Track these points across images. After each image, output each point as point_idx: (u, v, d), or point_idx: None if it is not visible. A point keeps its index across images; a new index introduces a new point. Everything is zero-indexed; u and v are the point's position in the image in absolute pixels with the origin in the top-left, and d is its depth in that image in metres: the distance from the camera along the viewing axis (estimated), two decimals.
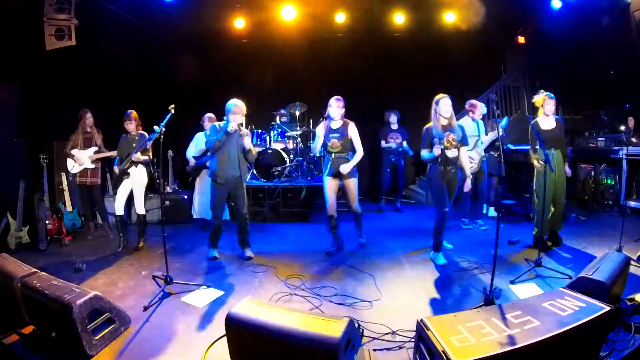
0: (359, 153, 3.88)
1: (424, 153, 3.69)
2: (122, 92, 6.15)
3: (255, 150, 4.09)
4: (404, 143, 6.08)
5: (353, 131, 3.87)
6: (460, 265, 3.67)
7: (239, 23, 6.64)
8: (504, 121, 4.87)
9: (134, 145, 4.15)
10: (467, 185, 3.80)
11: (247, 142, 3.72)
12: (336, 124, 3.89)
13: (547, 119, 3.90)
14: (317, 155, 4.02)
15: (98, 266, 3.72)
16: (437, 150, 3.52)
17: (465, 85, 6.99)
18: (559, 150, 3.87)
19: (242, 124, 3.81)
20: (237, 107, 3.68)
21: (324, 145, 3.95)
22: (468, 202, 4.98)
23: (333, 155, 3.88)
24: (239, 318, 1.98)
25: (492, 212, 5.56)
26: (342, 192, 4.10)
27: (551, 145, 3.81)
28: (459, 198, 4.75)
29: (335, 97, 3.87)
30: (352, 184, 3.90)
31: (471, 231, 4.87)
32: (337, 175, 3.88)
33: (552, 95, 3.89)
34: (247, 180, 4.05)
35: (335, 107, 3.83)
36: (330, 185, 3.92)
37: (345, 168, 3.81)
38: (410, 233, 4.86)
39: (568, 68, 6.79)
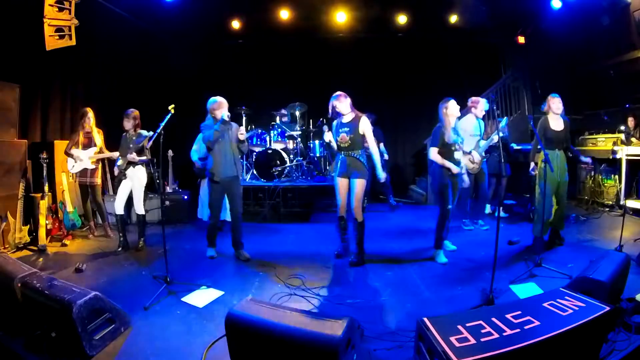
0: (374, 151, 3.66)
1: (435, 154, 3.65)
2: (123, 92, 6.15)
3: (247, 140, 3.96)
4: (381, 145, 6.05)
5: (366, 126, 3.60)
6: (460, 265, 3.66)
7: (239, 23, 6.65)
8: (503, 122, 4.87)
9: (131, 145, 4.15)
10: (466, 182, 3.83)
11: (242, 132, 3.67)
12: (347, 118, 3.68)
13: (556, 119, 3.89)
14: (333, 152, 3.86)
15: (98, 266, 3.72)
16: (455, 170, 3.60)
17: (465, 86, 6.99)
18: (563, 151, 3.89)
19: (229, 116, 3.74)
20: (217, 103, 3.67)
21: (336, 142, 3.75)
22: (468, 203, 4.97)
23: (342, 153, 3.69)
24: (239, 318, 1.98)
25: (487, 209, 5.60)
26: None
27: (557, 145, 3.84)
28: (459, 198, 4.75)
29: (335, 94, 3.68)
30: (358, 185, 3.61)
31: (472, 232, 4.86)
32: (346, 175, 3.68)
33: (555, 94, 3.90)
34: (242, 178, 3.98)
35: (343, 103, 3.63)
36: (340, 186, 3.74)
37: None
38: (410, 233, 4.85)
39: (568, 68, 6.80)
